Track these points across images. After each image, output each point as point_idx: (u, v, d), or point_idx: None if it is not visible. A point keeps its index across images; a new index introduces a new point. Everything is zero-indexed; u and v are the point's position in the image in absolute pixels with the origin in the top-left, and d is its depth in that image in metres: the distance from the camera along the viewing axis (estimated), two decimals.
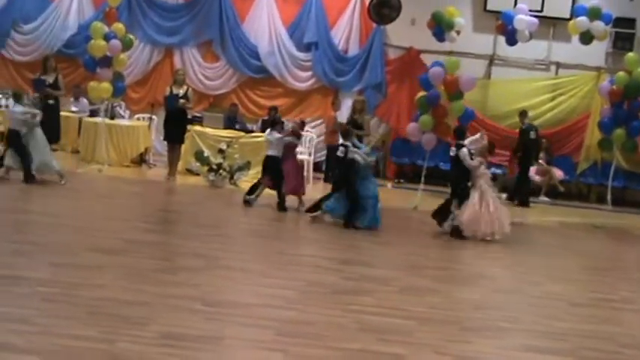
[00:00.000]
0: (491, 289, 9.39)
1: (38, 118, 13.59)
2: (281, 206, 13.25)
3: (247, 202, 13.33)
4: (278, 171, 13.36)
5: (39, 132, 13.64)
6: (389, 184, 18.12)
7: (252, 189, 13.54)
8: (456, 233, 12.17)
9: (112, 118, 17.40)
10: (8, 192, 12.91)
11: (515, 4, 17.00)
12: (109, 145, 16.65)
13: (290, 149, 13.65)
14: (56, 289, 7.28)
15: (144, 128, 17.53)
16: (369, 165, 12.66)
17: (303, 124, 15.06)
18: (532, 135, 17.08)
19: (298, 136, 13.89)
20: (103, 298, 7.15)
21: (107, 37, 15.44)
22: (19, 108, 13.75)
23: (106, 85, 15.62)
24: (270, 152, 13.51)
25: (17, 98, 14.09)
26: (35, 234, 9.83)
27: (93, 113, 18.36)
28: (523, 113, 17.31)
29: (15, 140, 13.46)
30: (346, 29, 19.35)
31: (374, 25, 19.06)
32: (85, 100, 18.66)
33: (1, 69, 20.29)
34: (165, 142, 16.15)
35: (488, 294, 9.10)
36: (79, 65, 19.04)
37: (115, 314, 6.73)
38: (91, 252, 9.00)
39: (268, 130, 13.78)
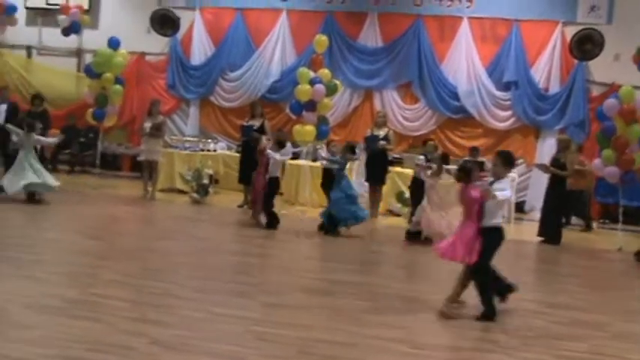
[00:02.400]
0: None
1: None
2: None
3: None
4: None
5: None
6: (593, 224, 17.60)
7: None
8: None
9: (314, 160, 17.78)
10: (222, 235, 13.43)
11: None
12: (312, 186, 17.03)
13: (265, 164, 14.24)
14: (268, 328, 7.48)
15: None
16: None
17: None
18: None
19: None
20: (312, 338, 7.28)
21: (312, 82, 15.87)
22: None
23: (311, 129, 16.04)
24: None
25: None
26: (248, 274, 10.18)
27: (295, 156, 18.87)
28: None
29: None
30: (547, 67, 19.02)
31: (575, 61, 18.68)
32: (288, 144, 19.20)
33: (209, 115, 21.23)
34: (367, 184, 16.37)
35: None
36: (282, 110, 19.77)
37: (325, 355, 6.83)
38: (299, 292, 9.22)
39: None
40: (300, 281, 9.92)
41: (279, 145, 14.52)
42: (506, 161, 8.70)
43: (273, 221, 14.03)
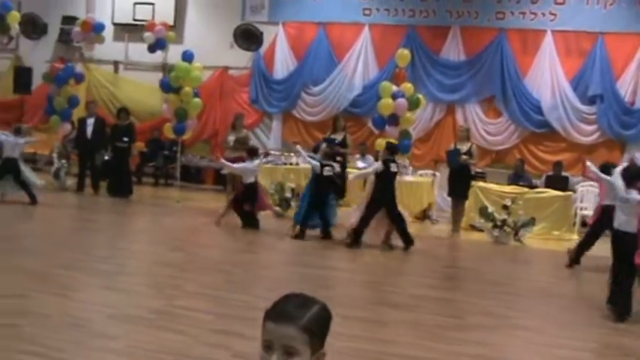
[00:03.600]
0: None
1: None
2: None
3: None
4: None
5: None
6: None
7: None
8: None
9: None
10: (303, 248, 13.48)
11: None
12: None
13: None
14: (347, 342, 7.43)
15: (427, 184, 17.76)
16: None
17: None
18: None
19: None
20: (392, 353, 7.24)
21: (395, 96, 15.86)
22: (22, 139, 15.62)
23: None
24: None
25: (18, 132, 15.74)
26: (328, 287, 10.18)
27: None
28: None
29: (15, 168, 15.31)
30: (633, 80, 18.61)
31: None
32: (370, 157, 19.17)
33: (291, 129, 21.36)
34: (449, 198, 16.28)
35: None
36: (364, 124, 19.78)
37: None
38: (379, 306, 9.20)
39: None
40: (380, 295, 9.91)
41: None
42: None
43: (251, 221, 14.65)
